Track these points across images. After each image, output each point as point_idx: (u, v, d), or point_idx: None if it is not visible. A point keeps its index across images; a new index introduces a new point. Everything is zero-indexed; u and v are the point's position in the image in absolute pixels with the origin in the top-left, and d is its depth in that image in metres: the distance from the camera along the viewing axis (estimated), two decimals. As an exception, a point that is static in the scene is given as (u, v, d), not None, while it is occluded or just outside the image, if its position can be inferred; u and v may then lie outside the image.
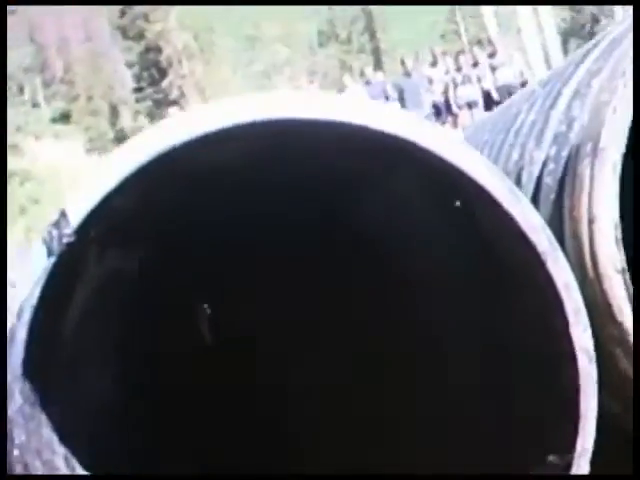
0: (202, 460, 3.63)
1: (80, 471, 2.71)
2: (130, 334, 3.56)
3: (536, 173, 3.15)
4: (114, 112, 56.64)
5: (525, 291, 2.65)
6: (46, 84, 54.83)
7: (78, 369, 2.94)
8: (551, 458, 2.64)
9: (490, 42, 24.46)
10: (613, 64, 2.88)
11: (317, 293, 3.87)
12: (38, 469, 2.44)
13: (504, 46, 23.39)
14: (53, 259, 2.41)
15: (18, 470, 2.38)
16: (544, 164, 3.08)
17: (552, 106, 3.26)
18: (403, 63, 20.07)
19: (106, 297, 3.25)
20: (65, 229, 2.42)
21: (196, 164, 2.77)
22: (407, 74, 19.53)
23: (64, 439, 2.67)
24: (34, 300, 2.39)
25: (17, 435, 2.39)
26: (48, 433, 2.57)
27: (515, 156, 3.48)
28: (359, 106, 2.54)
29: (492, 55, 19.69)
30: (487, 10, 41.25)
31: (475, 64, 19.26)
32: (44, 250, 2.42)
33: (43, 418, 2.54)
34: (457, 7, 58.73)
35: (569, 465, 2.58)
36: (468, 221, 2.73)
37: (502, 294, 2.82)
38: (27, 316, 2.38)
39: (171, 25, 59.56)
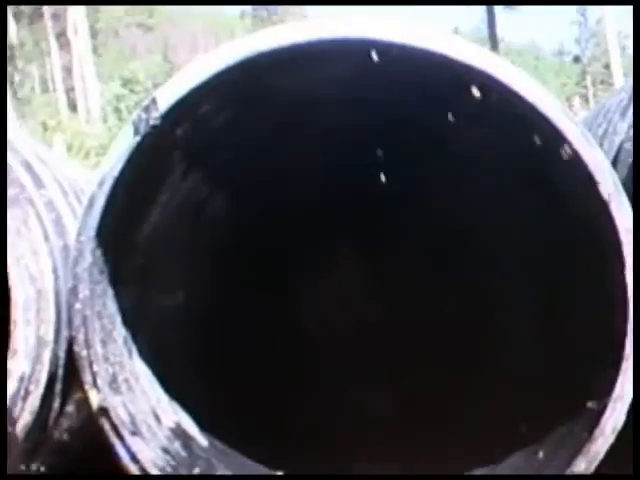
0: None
1: (135, 356, 2.81)
2: (200, 262, 3.67)
3: (617, 142, 3.21)
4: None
5: (587, 234, 2.69)
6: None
7: (148, 269, 3.05)
8: (590, 404, 2.65)
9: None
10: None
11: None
12: (96, 330, 2.55)
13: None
14: (138, 138, 2.58)
15: (77, 323, 2.50)
16: (626, 133, 3.13)
17: (640, 83, 3.32)
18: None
19: (185, 217, 3.37)
20: (153, 113, 2.59)
21: (288, 82, 2.88)
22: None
23: (127, 324, 2.80)
24: (115, 172, 2.55)
25: (81, 290, 2.51)
26: (112, 307, 2.69)
27: (600, 132, 3.54)
28: (445, 39, 2.62)
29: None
30: (619, 79, 40.86)
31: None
32: (131, 129, 2.59)
33: (110, 291, 2.67)
34: (588, 72, 58.22)
35: (604, 409, 2.58)
36: (539, 164, 2.79)
37: (565, 237, 2.87)
38: (107, 186, 2.54)
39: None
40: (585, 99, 52.36)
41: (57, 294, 2.63)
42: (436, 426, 3.52)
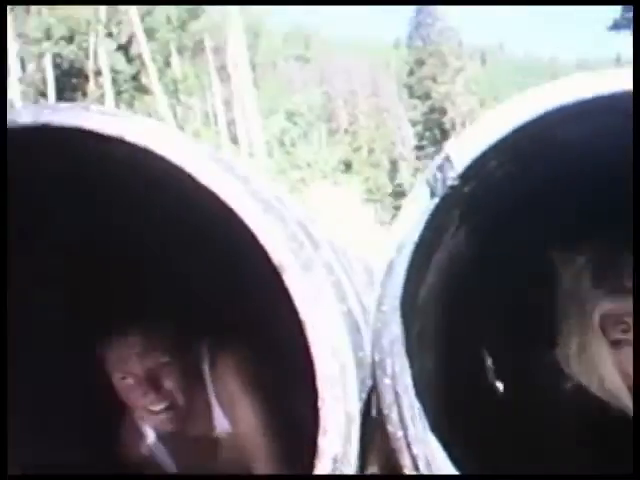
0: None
1: (429, 432, 2.60)
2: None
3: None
4: (394, 167, 58.18)
5: None
6: (331, 132, 56.85)
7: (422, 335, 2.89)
8: None
9: None
10: None
11: None
12: (404, 406, 2.38)
13: None
14: (436, 200, 2.43)
15: (388, 400, 2.33)
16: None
17: None
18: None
19: (454, 278, 3.20)
20: (449, 172, 2.44)
21: (565, 137, 2.69)
22: None
23: (419, 395, 2.61)
24: (415, 237, 2.41)
25: (389, 364, 2.36)
26: (407, 379, 2.52)
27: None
28: None
29: None
30: None
31: None
32: (427, 191, 2.45)
33: (405, 362, 2.51)
34: None
35: None
36: None
37: None
38: (408, 251, 2.40)
39: (458, 89, 60.58)
40: None
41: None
42: None
